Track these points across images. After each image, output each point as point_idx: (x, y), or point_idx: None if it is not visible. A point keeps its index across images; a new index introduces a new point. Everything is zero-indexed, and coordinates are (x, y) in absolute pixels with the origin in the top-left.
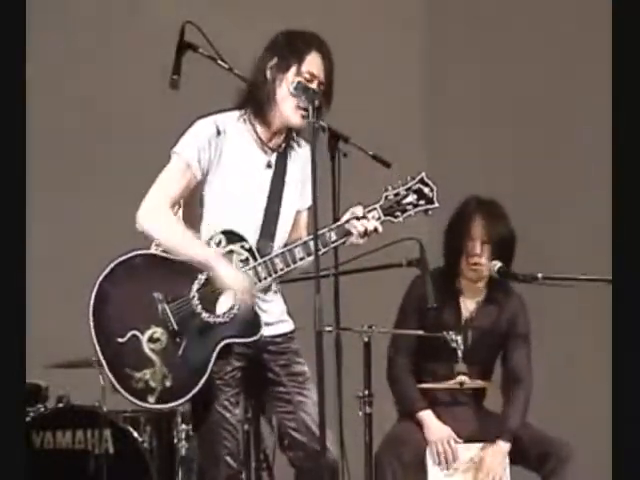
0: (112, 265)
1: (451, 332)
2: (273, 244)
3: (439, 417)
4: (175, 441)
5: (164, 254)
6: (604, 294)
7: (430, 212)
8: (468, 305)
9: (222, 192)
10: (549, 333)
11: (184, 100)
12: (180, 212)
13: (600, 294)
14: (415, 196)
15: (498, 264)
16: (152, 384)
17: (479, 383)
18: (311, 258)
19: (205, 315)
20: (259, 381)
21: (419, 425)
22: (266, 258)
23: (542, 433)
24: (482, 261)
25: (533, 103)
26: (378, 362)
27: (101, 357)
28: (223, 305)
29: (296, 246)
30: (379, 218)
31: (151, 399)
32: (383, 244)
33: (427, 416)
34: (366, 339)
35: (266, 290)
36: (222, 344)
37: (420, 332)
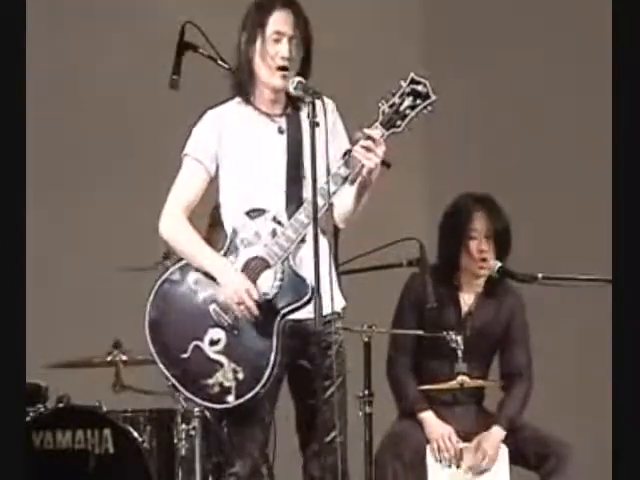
0: (155, 287)
1: (451, 332)
2: (302, 204)
3: (439, 417)
4: (175, 441)
5: None
6: (604, 294)
7: (431, 108)
8: (466, 299)
9: (239, 173)
10: (549, 333)
11: (184, 100)
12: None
13: (600, 294)
14: (411, 98)
15: (498, 264)
16: (226, 384)
17: (480, 383)
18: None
19: None
20: (297, 371)
21: (419, 423)
22: (291, 219)
23: (542, 433)
24: (490, 256)
25: (533, 103)
26: (378, 362)
27: (173, 380)
28: (266, 282)
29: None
30: (382, 135)
31: (230, 398)
32: (383, 244)
33: (428, 417)
34: (366, 339)
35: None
36: (279, 317)
37: (420, 332)
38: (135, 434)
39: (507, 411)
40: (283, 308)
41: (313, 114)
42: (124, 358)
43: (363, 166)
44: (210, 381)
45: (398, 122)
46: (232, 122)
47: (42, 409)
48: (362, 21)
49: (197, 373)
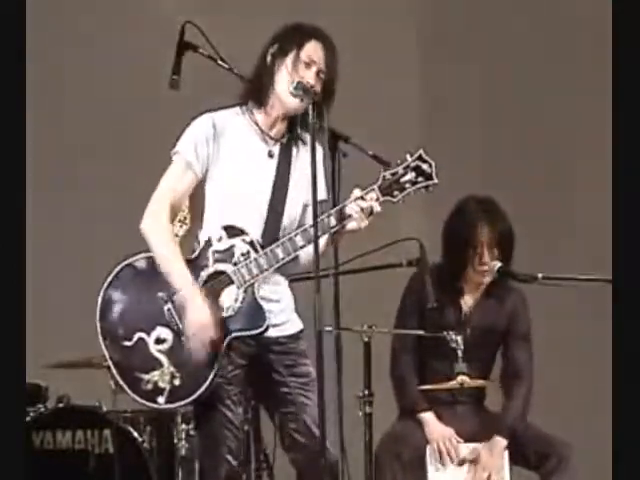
0: (117, 269)
1: (451, 332)
2: (279, 236)
3: (439, 417)
4: (175, 441)
5: None
6: (604, 294)
7: (430, 189)
8: (467, 301)
9: (223, 185)
10: (549, 333)
11: (184, 100)
12: (187, 216)
13: (600, 294)
14: (413, 174)
15: (498, 264)
16: (161, 385)
17: (480, 383)
18: (311, 245)
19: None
20: (262, 380)
21: (419, 423)
22: (267, 249)
23: (542, 433)
24: (491, 265)
25: (533, 103)
26: (378, 362)
27: (110, 362)
28: (226, 300)
29: (296, 234)
30: (377, 199)
31: (161, 400)
32: (383, 244)
33: (429, 417)
34: (366, 339)
35: (275, 285)
36: (228, 339)
37: (421, 332)
38: (135, 434)
39: (508, 421)
40: (234, 332)
41: (313, 115)
42: None
43: (349, 220)
44: (145, 377)
45: (395, 192)
46: (226, 131)
47: (42, 409)
48: (359, 13)
49: (135, 365)
